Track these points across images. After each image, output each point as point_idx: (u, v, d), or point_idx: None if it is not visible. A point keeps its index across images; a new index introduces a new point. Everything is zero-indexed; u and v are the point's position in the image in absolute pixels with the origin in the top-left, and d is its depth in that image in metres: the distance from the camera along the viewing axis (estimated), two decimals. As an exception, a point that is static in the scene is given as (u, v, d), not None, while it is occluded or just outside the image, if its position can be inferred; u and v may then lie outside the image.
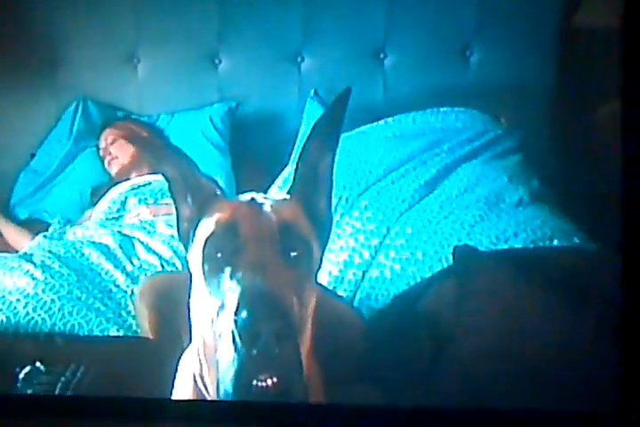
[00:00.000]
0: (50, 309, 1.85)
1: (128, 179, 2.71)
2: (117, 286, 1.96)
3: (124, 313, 1.87)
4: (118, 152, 2.80)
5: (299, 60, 2.87)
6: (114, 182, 2.72)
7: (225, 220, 1.10)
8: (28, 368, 1.54)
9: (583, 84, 2.57)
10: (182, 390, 1.22)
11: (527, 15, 2.67)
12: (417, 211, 2.18)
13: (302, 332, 1.07)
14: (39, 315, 1.84)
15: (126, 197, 2.58)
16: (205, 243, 1.10)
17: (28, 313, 1.84)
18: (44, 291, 1.89)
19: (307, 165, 1.17)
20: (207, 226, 1.12)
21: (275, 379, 0.99)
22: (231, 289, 1.02)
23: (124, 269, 2.01)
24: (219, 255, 1.08)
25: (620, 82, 1.51)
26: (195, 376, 1.18)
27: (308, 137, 1.16)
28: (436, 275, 1.87)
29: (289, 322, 0.99)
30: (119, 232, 2.22)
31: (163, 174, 1.18)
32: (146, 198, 2.56)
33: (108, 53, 2.90)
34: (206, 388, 1.16)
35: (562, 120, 2.68)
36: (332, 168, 1.18)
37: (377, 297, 1.93)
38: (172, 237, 2.16)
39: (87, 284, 1.94)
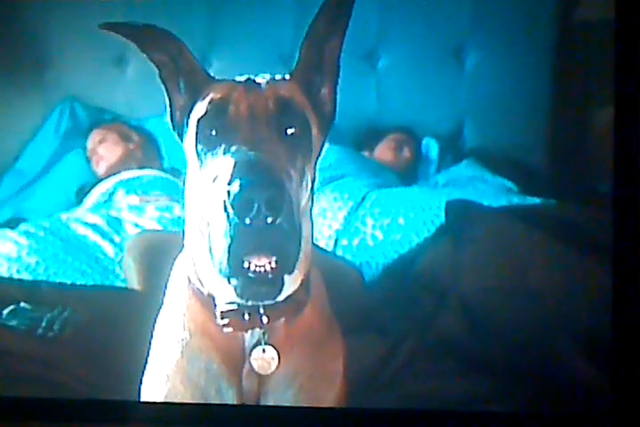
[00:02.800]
0: (34, 270, 1.78)
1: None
2: (105, 255, 1.90)
3: (111, 277, 1.80)
4: (106, 153, 2.75)
5: (291, 61, 2.83)
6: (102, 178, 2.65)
7: (219, 98, 1.06)
8: (12, 306, 1.46)
9: (579, 84, 2.56)
10: (176, 296, 1.15)
11: (522, 17, 2.67)
12: (386, 189, 2.20)
13: (302, 215, 1.01)
14: (24, 277, 1.76)
15: (115, 189, 2.51)
16: (198, 122, 1.05)
17: (11, 275, 1.77)
18: (28, 254, 1.82)
19: (311, 46, 1.13)
20: (201, 107, 1.07)
21: (272, 259, 0.93)
22: (224, 162, 0.96)
23: (112, 240, 1.95)
24: (213, 133, 1.03)
25: (614, 85, 1.51)
26: (189, 278, 1.12)
27: (316, 16, 1.12)
28: (431, 236, 1.87)
29: (283, 192, 0.92)
30: (107, 214, 2.15)
31: (152, 60, 1.13)
32: (135, 190, 2.49)
33: (96, 54, 2.85)
34: (201, 283, 1.09)
35: (557, 122, 2.66)
36: (339, 53, 1.14)
37: (362, 265, 1.89)
38: (162, 216, 2.09)
39: (74, 250, 1.87)
